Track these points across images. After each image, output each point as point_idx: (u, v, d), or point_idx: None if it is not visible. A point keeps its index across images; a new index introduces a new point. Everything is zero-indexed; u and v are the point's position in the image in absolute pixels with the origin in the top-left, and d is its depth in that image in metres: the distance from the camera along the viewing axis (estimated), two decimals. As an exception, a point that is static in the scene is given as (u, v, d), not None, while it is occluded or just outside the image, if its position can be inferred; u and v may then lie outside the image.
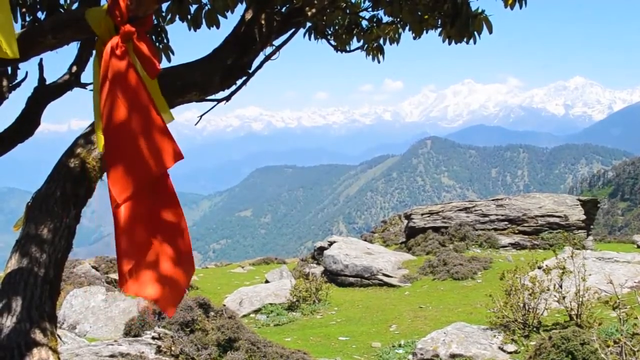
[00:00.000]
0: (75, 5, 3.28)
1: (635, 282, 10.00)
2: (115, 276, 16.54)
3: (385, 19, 3.84)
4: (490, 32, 3.33)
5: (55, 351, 1.90)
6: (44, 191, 2.24)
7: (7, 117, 3.51)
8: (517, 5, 3.20)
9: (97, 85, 2.04)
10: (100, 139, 2.09)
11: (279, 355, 7.51)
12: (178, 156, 1.97)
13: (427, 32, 3.57)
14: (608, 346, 5.20)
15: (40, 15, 3.22)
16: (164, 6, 3.29)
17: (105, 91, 1.91)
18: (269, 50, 3.12)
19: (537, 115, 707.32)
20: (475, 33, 3.31)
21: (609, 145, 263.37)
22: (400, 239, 21.94)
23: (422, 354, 7.82)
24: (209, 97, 2.93)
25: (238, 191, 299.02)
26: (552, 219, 18.03)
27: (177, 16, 3.28)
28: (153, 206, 1.98)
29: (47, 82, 3.38)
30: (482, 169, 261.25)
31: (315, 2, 3.05)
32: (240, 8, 3.05)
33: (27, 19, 3.23)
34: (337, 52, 4.09)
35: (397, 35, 3.94)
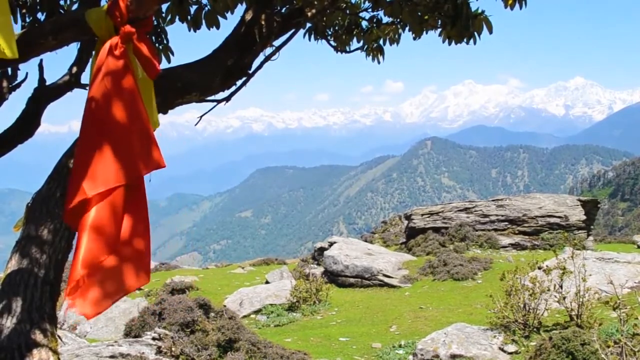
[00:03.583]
0: (75, 6, 3.29)
1: (635, 283, 10.00)
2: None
3: (385, 19, 3.84)
4: (491, 32, 3.33)
5: (55, 352, 1.90)
6: (44, 192, 2.24)
7: (7, 118, 3.51)
8: (517, 5, 3.20)
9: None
10: None
11: (279, 356, 7.51)
12: (159, 164, 1.93)
13: (427, 33, 3.57)
14: (608, 346, 5.19)
15: (41, 16, 3.23)
16: (164, 7, 3.29)
17: (94, 86, 1.90)
18: (269, 51, 3.12)
19: (538, 116, 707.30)
20: (476, 33, 3.32)
21: (609, 146, 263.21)
22: (401, 239, 21.93)
23: (422, 355, 7.82)
24: (209, 98, 2.93)
25: (238, 192, 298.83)
26: (552, 220, 18.03)
27: (177, 17, 3.28)
28: (122, 211, 1.92)
29: (47, 83, 3.38)
30: (482, 169, 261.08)
31: (316, 2, 3.05)
32: (240, 9, 3.05)
33: (27, 20, 3.24)
34: (337, 52, 4.09)
35: (397, 36, 3.94)
